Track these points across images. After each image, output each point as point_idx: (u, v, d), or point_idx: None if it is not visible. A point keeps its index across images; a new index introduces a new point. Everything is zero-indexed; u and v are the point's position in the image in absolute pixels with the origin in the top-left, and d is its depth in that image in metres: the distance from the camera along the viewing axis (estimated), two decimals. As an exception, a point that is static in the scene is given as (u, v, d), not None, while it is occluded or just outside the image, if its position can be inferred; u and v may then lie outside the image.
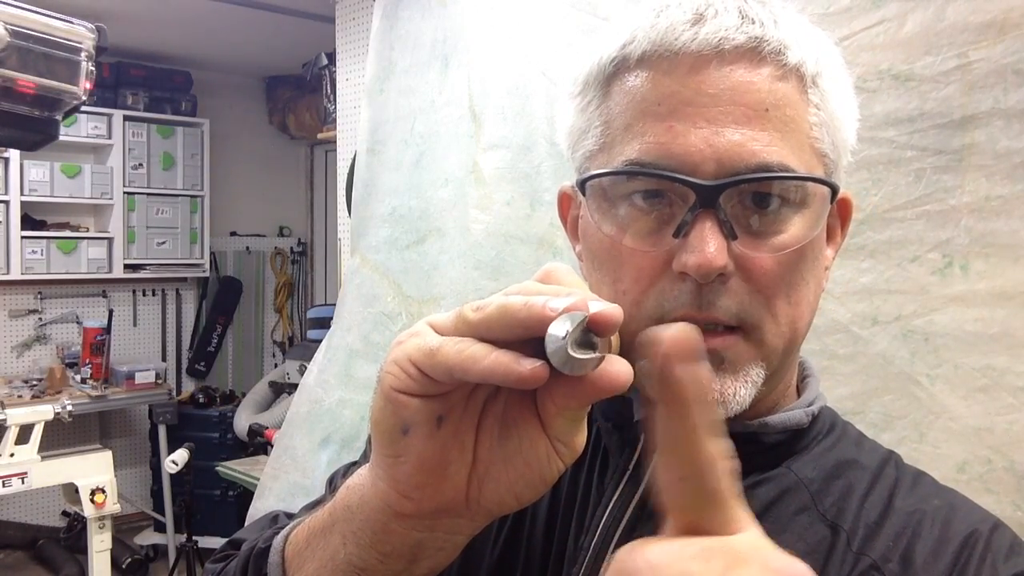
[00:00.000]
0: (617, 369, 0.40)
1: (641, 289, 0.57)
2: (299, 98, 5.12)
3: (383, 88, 2.13)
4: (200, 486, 3.88)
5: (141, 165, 4.81)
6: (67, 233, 4.66)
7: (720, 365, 0.56)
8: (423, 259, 2.00)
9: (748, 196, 0.55)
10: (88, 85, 1.14)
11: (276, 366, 5.23)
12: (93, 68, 1.15)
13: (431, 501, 0.45)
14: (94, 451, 3.43)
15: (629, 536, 0.57)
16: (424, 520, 0.46)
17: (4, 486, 3.16)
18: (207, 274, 5.20)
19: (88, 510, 3.19)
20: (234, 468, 3.25)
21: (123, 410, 4.80)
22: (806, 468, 0.62)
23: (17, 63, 1.07)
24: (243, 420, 4.11)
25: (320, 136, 3.67)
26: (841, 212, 0.64)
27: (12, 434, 3.22)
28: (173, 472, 3.41)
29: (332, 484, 0.75)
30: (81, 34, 1.13)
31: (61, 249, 4.57)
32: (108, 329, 4.33)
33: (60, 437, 4.08)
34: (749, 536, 0.37)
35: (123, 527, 4.52)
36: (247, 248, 5.52)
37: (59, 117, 1.16)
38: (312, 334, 3.74)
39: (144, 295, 5.11)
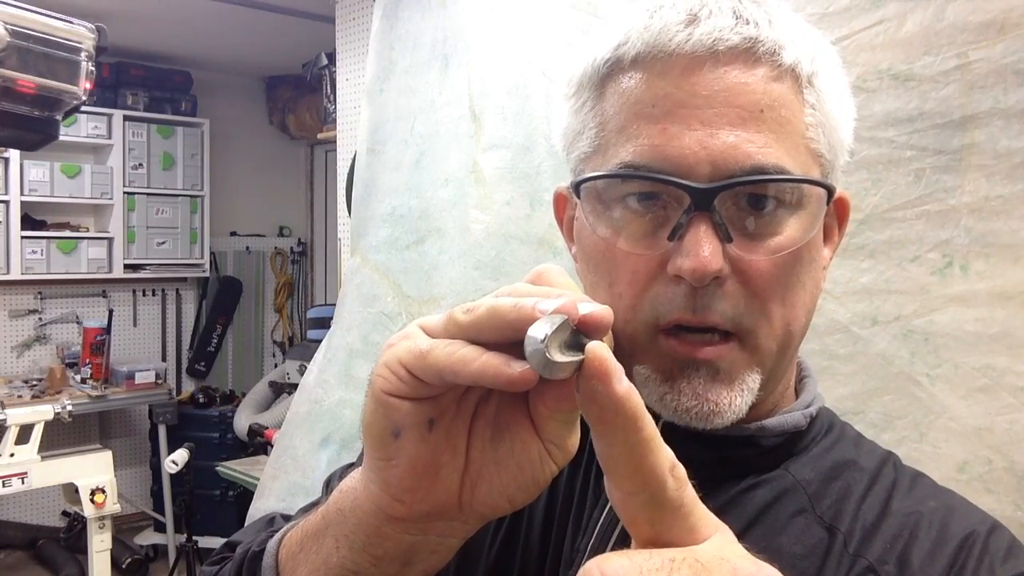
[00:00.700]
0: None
1: (636, 292, 0.56)
2: (299, 98, 5.12)
3: (383, 88, 2.13)
4: (200, 486, 3.88)
5: (141, 165, 4.81)
6: (67, 233, 4.66)
7: (716, 376, 0.56)
8: (423, 259, 2.00)
9: (743, 198, 0.55)
10: (88, 85, 1.14)
11: (276, 366, 5.22)
12: (93, 68, 1.15)
13: (423, 504, 0.45)
14: (94, 451, 3.43)
15: (626, 538, 0.57)
16: (416, 523, 0.46)
17: (4, 486, 3.16)
18: (207, 274, 5.21)
19: (88, 510, 3.19)
20: (234, 468, 3.26)
21: (123, 410, 4.81)
22: (804, 470, 0.62)
23: (17, 63, 1.07)
24: (243, 420, 4.11)
25: (320, 136, 3.67)
26: (838, 212, 0.64)
27: (12, 434, 3.22)
28: (173, 472, 3.42)
29: (329, 486, 0.74)
30: (81, 34, 1.13)
31: (61, 249, 4.58)
32: (108, 329, 4.33)
33: (60, 437, 4.08)
34: (714, 543, 0.36)
35: (123, 527, 4.52)
36: (247, 248, 5.52)
37: (59, 117, 1.17)
38: (312, 334, 3.74)
39: (144, 295, 5.11)
